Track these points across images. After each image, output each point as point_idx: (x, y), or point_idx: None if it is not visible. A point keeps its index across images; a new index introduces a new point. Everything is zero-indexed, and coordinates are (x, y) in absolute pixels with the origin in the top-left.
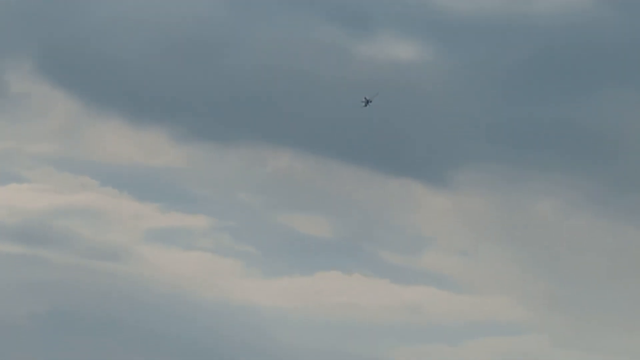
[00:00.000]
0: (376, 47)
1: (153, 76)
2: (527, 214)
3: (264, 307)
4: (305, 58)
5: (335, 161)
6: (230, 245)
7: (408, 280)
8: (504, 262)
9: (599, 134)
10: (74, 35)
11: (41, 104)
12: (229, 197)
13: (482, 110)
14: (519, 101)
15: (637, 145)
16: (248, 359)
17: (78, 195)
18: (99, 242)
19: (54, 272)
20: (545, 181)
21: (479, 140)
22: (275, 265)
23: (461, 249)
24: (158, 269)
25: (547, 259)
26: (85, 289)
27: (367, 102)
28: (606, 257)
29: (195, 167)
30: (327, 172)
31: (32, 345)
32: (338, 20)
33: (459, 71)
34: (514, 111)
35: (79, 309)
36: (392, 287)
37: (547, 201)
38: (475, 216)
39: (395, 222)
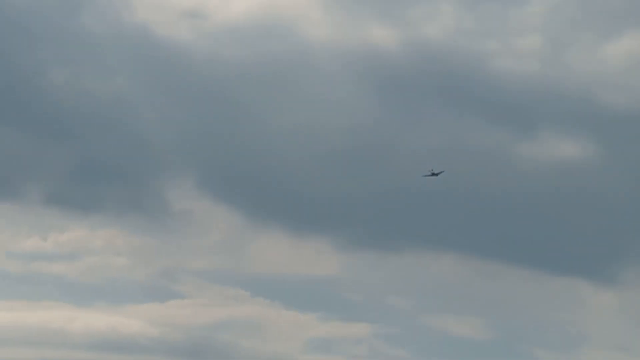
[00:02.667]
0: (539, 146)
1: (314, 187)
2: None
3: None
4: (468, 163)
5: (498, 263)
6: (389, 351)
7: None
8: None
9: None
10: (234, 151)
11: (203, 220)
12: (389, 303)
13: None
14: None
15: None
16: None
17: (239, 307)
18: (261, 354)
19: None
20: None
21: None
22: None
23: (621, 345)
24: None
25: None
26: None
27: (433, 174)
28: None
29: (356, 275)
30: (490, 274)
31: None
32: (499, 122)
33: (623, 168)
34: None
35: None
36: None
37: None
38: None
39: (555, 321)
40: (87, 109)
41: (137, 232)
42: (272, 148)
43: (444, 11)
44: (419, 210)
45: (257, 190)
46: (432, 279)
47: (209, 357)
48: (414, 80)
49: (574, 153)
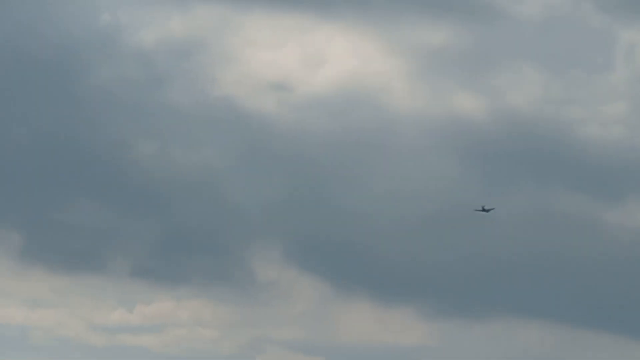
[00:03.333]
0: (627, 213)
1: (399, 256)
2: None
3: None
4: (555, 230)
5: (586, 330)
6: None
7: None
8: None
9: None
10: (319, 221)
11: (288, 290)
12: None
13: None
14: None
15: None
16: None
17: None
18: None
19: None
20: None
21: None
22: None
23: None
24: None
25: None
26: None
27: (484, 209)
28: None
29: (442, 344)
30: (578, 342)
31: None
32: (586, 189)
33: None
34: None
35: None
36: None
37: None
38: None
39: None
40: (173, 181)
41: (223, 303)
42: (357, 218)
43: (530, 79)
44: (505, 277)
45: (342, 260)
46: (519, 348)
47: None
48: (501, 148)
49: None
